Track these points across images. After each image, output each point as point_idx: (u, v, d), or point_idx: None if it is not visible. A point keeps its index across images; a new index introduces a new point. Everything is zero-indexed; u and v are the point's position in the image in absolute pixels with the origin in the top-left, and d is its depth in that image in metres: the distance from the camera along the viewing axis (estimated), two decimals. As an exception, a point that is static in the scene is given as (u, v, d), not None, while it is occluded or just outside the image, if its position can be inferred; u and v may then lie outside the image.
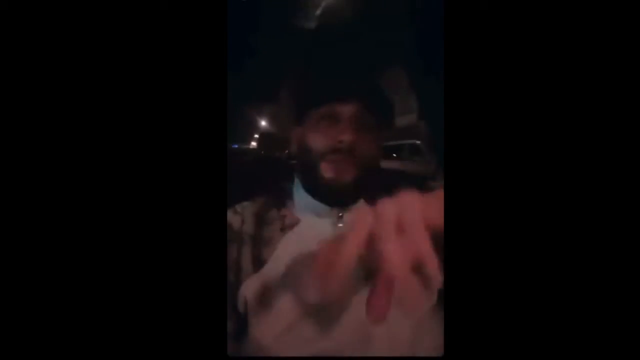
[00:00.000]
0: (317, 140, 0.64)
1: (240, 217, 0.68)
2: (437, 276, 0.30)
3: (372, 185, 0.65)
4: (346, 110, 0.63)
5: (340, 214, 0.65)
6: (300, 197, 0.68)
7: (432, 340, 0.58)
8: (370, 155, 0.64)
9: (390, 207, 0.33)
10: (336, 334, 0.56)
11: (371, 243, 0.32)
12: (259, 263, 0.62)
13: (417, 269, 0.30)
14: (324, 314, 0.57)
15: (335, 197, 0.64)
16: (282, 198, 0.71)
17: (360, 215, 0.33)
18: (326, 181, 0.63)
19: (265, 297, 0.58)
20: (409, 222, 0.32)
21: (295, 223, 0.66)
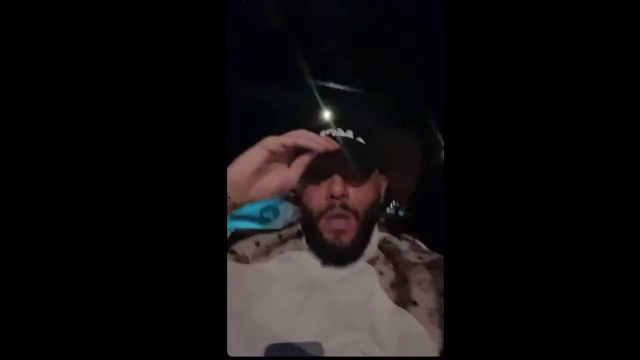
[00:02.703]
0: (313, 197, 0.60)
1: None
2: None
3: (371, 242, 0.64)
4: (334, 161, 0.58)
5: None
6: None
7: None
8: (369, 209, 0.61)
9: None
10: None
11: None
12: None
13: None
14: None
15: (336, 258, 0.61)
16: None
17: None
18: (327, 242, 0.60)
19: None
20: None
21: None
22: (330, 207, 0.59)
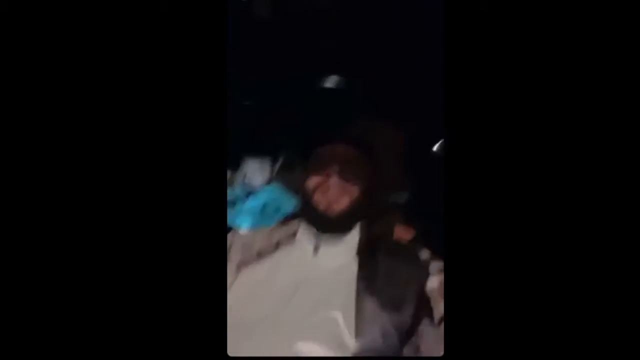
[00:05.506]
0: (312, 179, 0.70)
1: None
2: None
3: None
4: (331, 149, 0.72)
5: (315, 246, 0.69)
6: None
7: None
8: (362, 191, 0.69)
9: None
10: None
11: None
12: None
13: None
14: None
15: (328, 226, 0.69)
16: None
17: None
18: (320, 211, 0.68)
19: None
20: None
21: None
22: (324, 181, 0.68)
